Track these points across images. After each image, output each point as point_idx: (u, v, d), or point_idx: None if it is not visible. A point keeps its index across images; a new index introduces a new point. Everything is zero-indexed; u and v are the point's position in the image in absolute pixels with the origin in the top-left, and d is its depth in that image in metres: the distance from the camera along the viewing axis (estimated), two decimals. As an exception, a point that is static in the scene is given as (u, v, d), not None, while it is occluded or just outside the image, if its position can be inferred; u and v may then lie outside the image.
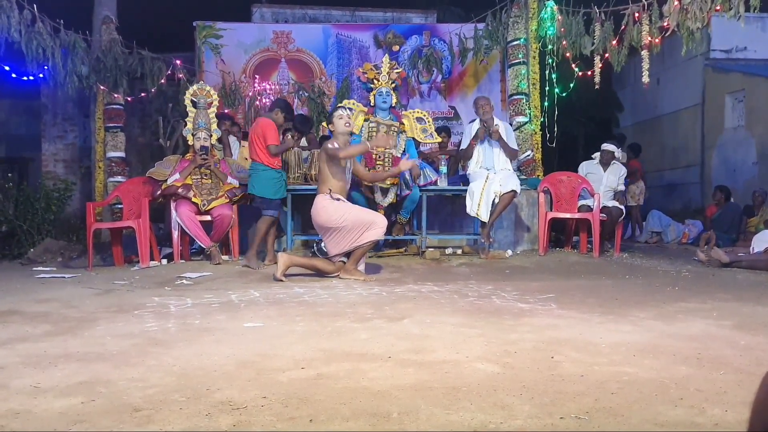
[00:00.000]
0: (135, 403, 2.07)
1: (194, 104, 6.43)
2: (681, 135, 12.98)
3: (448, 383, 2.25)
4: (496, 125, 6.34)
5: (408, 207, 6.33)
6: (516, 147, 6.72)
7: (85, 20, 8.14)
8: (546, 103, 7.59)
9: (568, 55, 7.16)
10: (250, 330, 3.21)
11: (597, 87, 7.13)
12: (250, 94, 9.02)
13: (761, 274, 5.40)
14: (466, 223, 7.05)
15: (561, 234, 7.31)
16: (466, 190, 6.32)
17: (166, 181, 6.29)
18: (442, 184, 6.52)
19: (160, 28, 9.57)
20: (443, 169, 6.57)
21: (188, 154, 6.52)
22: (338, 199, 5.03)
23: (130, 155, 8.97)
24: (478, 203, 6.15)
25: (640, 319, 3.41)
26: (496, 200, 6.18)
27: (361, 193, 6.07)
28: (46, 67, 7.14)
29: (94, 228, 6.37)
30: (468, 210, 6.25)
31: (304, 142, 7.14)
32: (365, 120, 6.33)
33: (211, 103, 6.54)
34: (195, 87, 6.57)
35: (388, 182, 6.20)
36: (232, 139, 7.32)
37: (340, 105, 5.98)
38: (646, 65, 6.54)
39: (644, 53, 6.50)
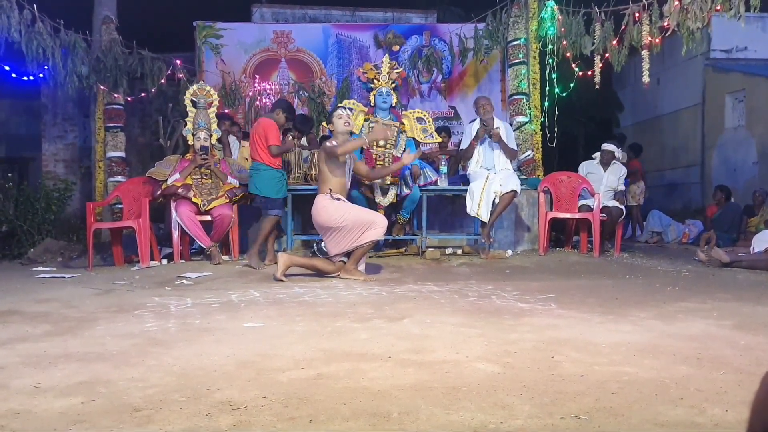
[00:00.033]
0: (135, 403, 2.07)
1: (194, 104, 6.43)
2: (681, 135, 12.98)
3: (448, 383, 2.25)
4: (496, 128, 6.34)
5: (408, 207, 6.33)
6: (515, 147, 6.72)
7: (85, 20, 8.14)
8: (546, 103, 7.59)
9: (568, 55, 7.16)
10: (250, 330, 3.21)
11: (597, 87, 7.13)
12: (250, 94, 9.02)
13: (761, 274, 5.39)
14: (466, 223, 7.05)
15: (561, 234, 7.31)
16: (466, 190, 6.32)
17: (166, 181, 6.29)
18: (443, 184, 6.53)
19: (160, 28, 9.57)
20: (443, 169, 6.57)
21: (188, 154, 6.52)
22: (338, 199, 5.03)
23: (130, 155, 8.97)
24: (479, 203, 6.15)
25: (641, 319, 3.41)
26: (497, 200, 6.17)
27: (361, 192, 6.07)
28: (46, 67, 7.14)
29: (94, 228, 6.37)
30: (468, 210, 6.25)
31: (304, 142, 7.14)
32: (365, 120, 6.33)
33: (211, 103, 6.54)
34: (195, 87, 6.57)
35: (388, 181, 6.20)
36: (231, 138, 7.32)
37: (340, 105, 5.98)
38: (646, 65, 6.53)
39: (644, 53, 6.50)
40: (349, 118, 5.26)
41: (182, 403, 2.06)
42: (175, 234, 6.19)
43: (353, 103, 6.55)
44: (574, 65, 7.26)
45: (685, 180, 12.83)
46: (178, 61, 8.36)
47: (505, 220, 6.79)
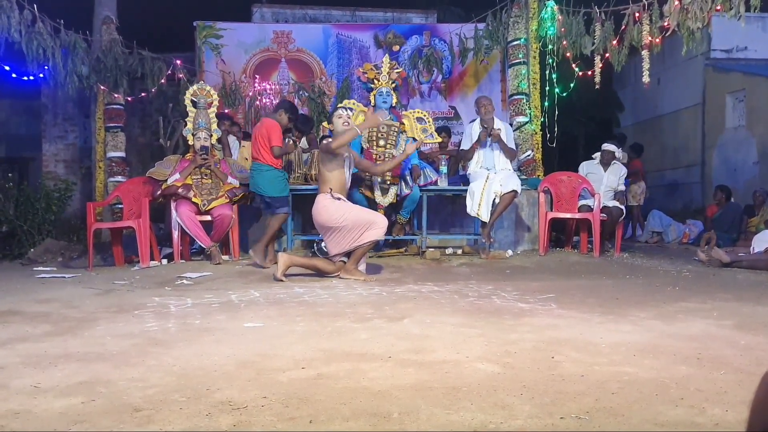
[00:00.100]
0: (135, 403, 2.07)
1: (194, 104, 6.44)
2: (681, 135, 12.98)
3: (449, 383, 2.25)
4: (497, 129, 6.34)
5: (408, 207, 6.33)
6: (515, 147, 6.72)
7: (85, 20, 8.14)
8: (546, 103, 7.59)
9: (568, 55, 7.16)
10: (250, 330, 3.21)
11: (597, 87, 7.13)
12: (251, 94, 9.02)
13: (761, 274, 5.39)
14: (467, 223, 7.05)
15: (561, 234, 7.31)
16: (466, 190, 6.32)
17: (166, 181, 6.29)
18: (443, 184, 6.52)
19: (160, 28, 9.58)
20: (443, 169, 6.57)
21: (188, 154, 6.52)
22: (339, 199, 5.03)
23: (130, 155, 8.97)
24: (479, 203, 6.15)
25: (641, 319, 3.41)
26: (497, 200, 6.17)
27: (361, 192, 6.07)
28: (46, 67, 7.15)
29: (95, 228, 6.38)
30: (468, 210, 6.25)
31: (304, 142, 7.14)
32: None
33: (212, 103, 6.54)
34: (195, 87, 6.57)
35: (388, 181, 6.20)
36: (231, 138, 7.32)
37: (340, 105, 5.98)
38: (646, 65, 6.53)
39: (644, 53, 6.50)
40: (349, 118, 5.26)
41: (182, 403, 2.06)
42: (175, 234, 6.19)
43: (353, 103, 6.55)
44: (574, 65, 7.26)
45: (686, 180, 12.83)
46: (178, 61, 8.36)
47: (506, 220, 6.78)
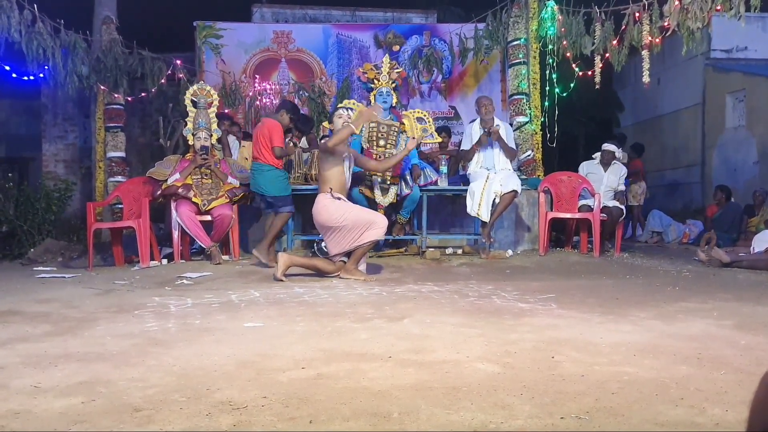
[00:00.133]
0: (135, 403, 2.07)
1: (194, 104, 6.44)
2: (681, 135, 12.98)
3: (449, 383, 2.25)
4: (496, 125, 6.35)
5: (408, 207, 6.33)
6: (515, 147, 6.72)
7: (85, 20, 8.14)
8: (546, 103, 7.59)
9: (568, 55, 7.16)
10: (250, 330, 3.21)
11: (597, 87, 7.13)
12: (251, 94, 9.02)
13: (762, 274, 5.39)
14: (467, 223, 7.05)
15: (561, 234, 7.31)
16: (466, 190, 6.32)
17: (166, 181, 6.29)
18: (443, 184, 6.52)
19: (160, 28, 9.58)
20: (443, 169, 6.57)
21: (188, 154, 6.52)
22: (339, 199, 5.03)
23: (130, 155, 8.97)
24: (479, 203, 6.15)
25: (641, 319, 3.41)
26: (497, 200, 6.17)
27: (361, 192, 6.07)
28: (46, 67, 7.15)
29: (95, 228, 6.38)
30: (468, 210, 6.25)
31: (304, 142, 7.14)
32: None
33: (212, 103, 6.54)
34: (195, 87, 6.57)
35: (388, 181, 6.20)
36: (231, 138, 7.32)
37: (340, 105, 5.98)
38: (646, 65, 6.53)
39: (644, 53, 6.50)
40: (349, 118, 5.26)
41: (182, 403, 2.06)
42: (176, 234, 6.19)
43: (353, 103, 6.54)
44: (574, 65, 7.26)
45: (686, 180, 12.83)
46: (179, 61, 8.36)
47: (506, 220, 6.78)
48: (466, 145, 6.56)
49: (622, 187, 7.39)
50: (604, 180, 7.07)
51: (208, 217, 6.19)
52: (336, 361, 2.55)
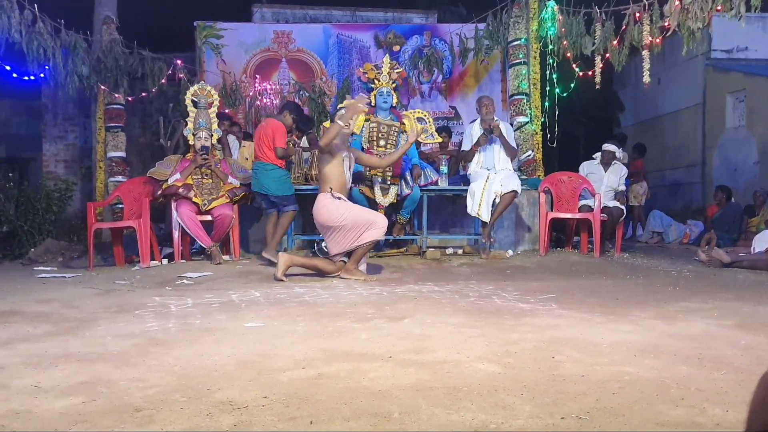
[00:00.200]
0: (136, 403, 2.07)
1: (195, 104, 6.44)
2: (682, 135, 12.97)
3: (449, 383, 2.25)
4: (496, 120, 6.35)
5: (408, 207, 6.33)
6: (515, 146, 6.72)
7: (85, 20, 8.15)
8: (547, 103, 7.59)
9: (568, 55, 7.16)
10: (250, 330, 3.21)
11: (598, 87, 7.13)
12: (251, 94, 9.03)
13: (762, 274, 5.39)
14: (467, 223, 7.05)
15: (562, 234, 7.31)
16: (466, 190, 6.32)
17: (166, 181, 6.29)
18: (443, 184, 6.53)
19: (160, 28, 9.58)
20: (444, 169, 6.57)
21: (189, 154, 6.52)
22: (339, 198, 5.03)
23: (130, 155, 8.98)
24: (479, 203, 6.15)
25: (641, 319, 3.41)
26: (497, 200, 6.17)
27: (361, 192, 6.07)
28: (46, 67, 7.15)
29: (95, 228, 6.38)
30: (469, 210, 6.25)
31: (305, 142, 7.14)
32: (366, 120, 6.32)
33: (212, 103, 6.54)
34: (196, 87, 6.57)
35: (389, 181, 6.19)
36: (231, 138, 7.32)
37: (342, 105, 5.97)
38: (646, 65, 6.53)
39: (645, 53, 6.49)
40: (350, 119, 5.25)
41: (183, 403, 2.06)
42: (176, 234, 6.19)
43: (353, 103, 6.54)
44: (574, 65, 7.26)
45: (686, 180, 12.83)
46: (179, 61, 8.37)
47: (506, 220, 6.78)
48: (466, 146, 6.56)
49: (623, 188, 7.39)
50: (604, 180, 7.07)
51: (209, 217, 6.19)
52: (336, 361, 2.55)
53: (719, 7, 5.61)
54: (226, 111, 8.21)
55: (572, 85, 7.52)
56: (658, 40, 6.38)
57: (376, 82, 6.43)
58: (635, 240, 9.51)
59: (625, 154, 8.67)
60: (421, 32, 9.42)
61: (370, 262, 5.48)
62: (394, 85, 6.45)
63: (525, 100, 7.55)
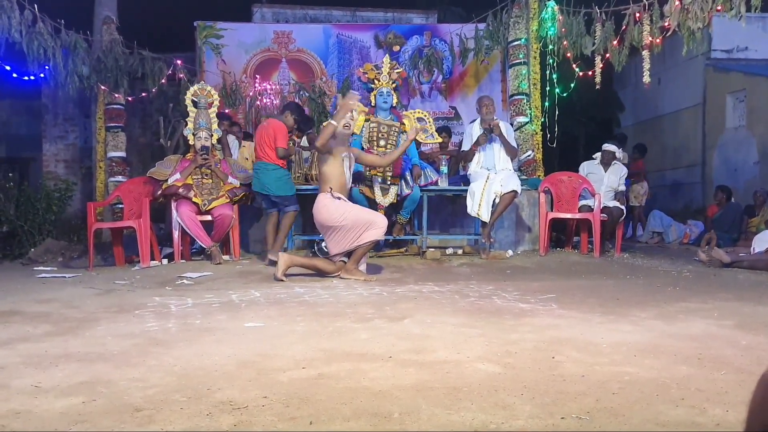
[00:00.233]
0: (136, 403, 2.07)
1: (195, 104, 6.44)
2: (682, 135, 12.97)
3: (449, 383, 2.25)
4: (496, 119, 6.35)
5: (408, 207, 6.33)
6: (515, 146, 6.72)
7: (85, 20, 8.15)
8: (547, 103, 7.59)
9: (568, 55, 7.16)
10: (250, 330, 3.21)
11: (598, 87, 7.12)
12: (251, 94, 9.03)
13: (762, 274, 5.39)
14: (467, 223, 7.05)
15: (562, 234, 7.31)
16: (466, 190, 6.32)
17: (166, 181, 6.29)
18: (443, 184, 6.53)
19: (160, 28, 9.59)
20: (444, 169, 6.57)
21: (189, 154, 6.52)
22: (339, 198, 5.03)
23: (130, 155, 8.98)
24: (479, 203, 6.15)
25: (641, 319, 3.41)
26: (497, 200, 6.17)
27: (361, 192, 6.07)
28: (47, 67, 7.15)
29: (95, 228, 6.38)
30: (469, 210, 6.25)
31: (305, 141, 7.14)
32: (366, 120, 6.32)
33: (212, 103, 6.54)
34: (196, 87, 6.57)
35: (389, 181, 6.19)
36: (231, 138, 7.32)
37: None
38: (646, 65, 6.53)
39: (645, 53, 6.49)
40: (352, 119, 5.25)
41: (183, 403, 2.06)
42: (176, 234, 6.19)
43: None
44: (574, 65, 7.26)
45: (686, 180, 12.83)
46: (179, 61, 8.37)
47: (506, 221, 6.78)
48: (466, 146, 6.56)
49: (623, 188, 7.39)
50: (604, 180, 7.07)
51: (209, 217, 6.19)
52: (336, 361, 2.55)
53: (719, 7, 5.61)
54: (226, 111, 8.21)
55: (572, 85, 7.52)
56: (658, 40, 6.38)
57: (376, 82, 6.43)
58: (635, 240, 9.51)
59: (625, 154, 8.67)
60: (421, 32, 9.43)
61: (370, 262, 5.48)
62: (394, 85, 6.45)
63: (525, 100, 7.55)
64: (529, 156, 7.46)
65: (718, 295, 4.27)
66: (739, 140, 11.55)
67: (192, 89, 6.54)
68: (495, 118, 6.39)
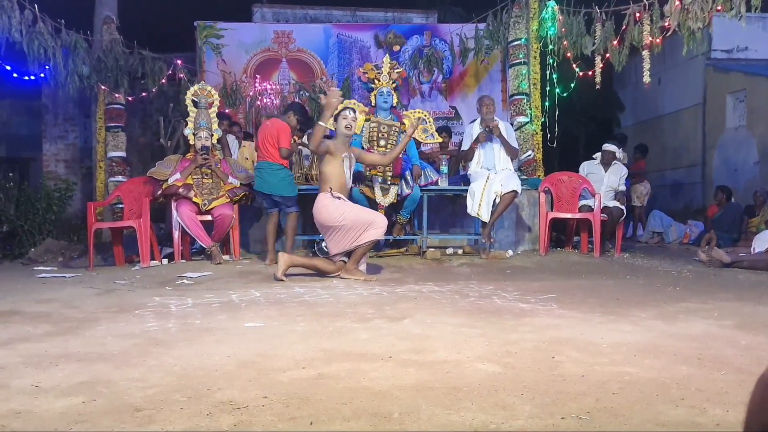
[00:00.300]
0: (136, 403, 2.07)
1: (195, 104, 6.44)
2: (682, 135, 12.97)
3: (449, 383, 2.25)
4: (495, 120, 6.35)
5: (408, 207, 6.33)
6: (516, 146, 6.72)
7: (86, 20, 8.15)
8: (547, 103, 7.59)
9: (569, 55, 7.16)
10: (250, 330, 3.21)
11: (598, 87, 7.13)
12: (251, 94, 9.03)
13: (762, 274, 5.39)
14: (467, 223, 7.05)
15: (562, 234, 7.31)
16: (466, 190, 6.32)
17: (166, 180, 6.29)
18: (443, 184, 6.53)
19: (160, 28, 9.58)
20: (444, 169, 6.57)
21: (189, 154, 6.52)
22: (339, 198, 5.03)
23: (131, 155, 8.98)
24: (479, 203, 6.15)
25: (641, 319, 3.40)
26: (497, 200, 6.17)
27: (362, 192, 6.07)
28: (47, 67, 7.15)
29: (95, 228, 6.38)
30: (469, 210, 6.25)
31: (305, 139, 7.14)
32: (366, 120, 6.32)
33: (212, 103, 6.54)
34: (196, 87, 6.57)
35: (389, 181, 6.19)
36: (231, 138, 7.32)
37: (342, 106, 5.96)
38: (646, 65, 6.53)
39: (645, 53, 6.49)
40: (353, 120, 5.24)
41: (183, 403, 2.06)
42: (176, 234, 6.19)
43: (354, 104, 6.53)
44: (574, 65, 7.26)
45: (686, 180, 12.83)
46: (179, 61, 8.37)
47: (506, 220, 6.79)
48: (466, 145, 6.56)
49: (623, 188, 7.39)
50: (604, 180, 7.07)
51: (209, 217, 6.19)
52: (337, 361, 2.55)
53: (719, 7, 5.61)
54: (226, 111, 8.22)
55: (572, 85, 7.52)
56: (658, 40, 6.38)
57: (376, 82, 6.43)
58: (635, 240, 9.51)
59: (625, 154, 8.67)
60: (421, 32, 9.43)
61: (370, 262, 5.48)
62: (394, 85, 6.45)
63: (525, 100, 7.55)
64: (529, 156, 7.46)
65: (718, 295, 4.27)
66: (739, 140, 11.55)
67: (192, 89, 6.54)
68: (494, 119, 6.40)
